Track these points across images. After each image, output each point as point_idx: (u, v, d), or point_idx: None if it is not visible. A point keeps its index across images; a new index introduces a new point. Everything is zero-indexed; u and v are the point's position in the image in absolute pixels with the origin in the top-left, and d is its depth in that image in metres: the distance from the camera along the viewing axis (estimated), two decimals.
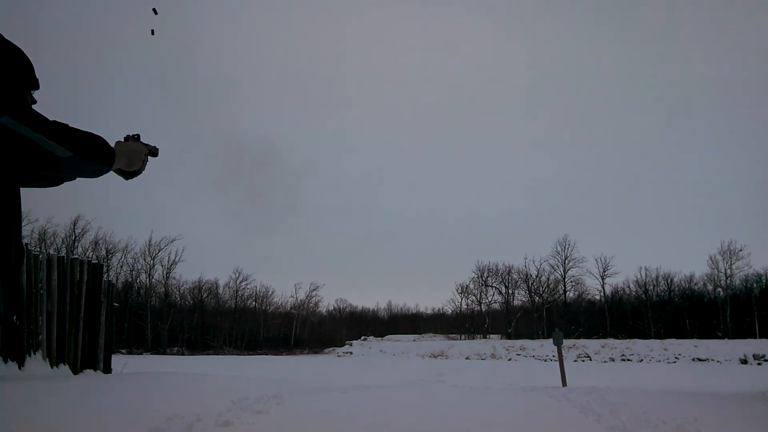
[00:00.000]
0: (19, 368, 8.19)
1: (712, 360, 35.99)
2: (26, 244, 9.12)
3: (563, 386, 11.67)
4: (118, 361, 11.53)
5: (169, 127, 75.99)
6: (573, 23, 79.64)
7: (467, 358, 41.81)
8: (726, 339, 45.00)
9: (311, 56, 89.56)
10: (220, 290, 64.85)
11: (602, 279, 58.52)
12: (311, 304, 71.89)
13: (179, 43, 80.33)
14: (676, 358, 37.38)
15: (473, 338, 58.43)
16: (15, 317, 8.37)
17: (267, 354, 54.31)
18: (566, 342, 41.95)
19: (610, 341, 44.08)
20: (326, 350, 61.11)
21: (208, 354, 50.60)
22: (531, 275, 61.18)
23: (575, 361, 38.15)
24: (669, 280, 57.80)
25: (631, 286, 60.01)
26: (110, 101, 73.13)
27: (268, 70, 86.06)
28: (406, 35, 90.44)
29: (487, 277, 63.39)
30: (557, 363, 13.59)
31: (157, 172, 75.40)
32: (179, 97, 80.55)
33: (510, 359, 41.17)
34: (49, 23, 64.99)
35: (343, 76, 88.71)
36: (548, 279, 60.55)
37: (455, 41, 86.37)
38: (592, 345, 42.61)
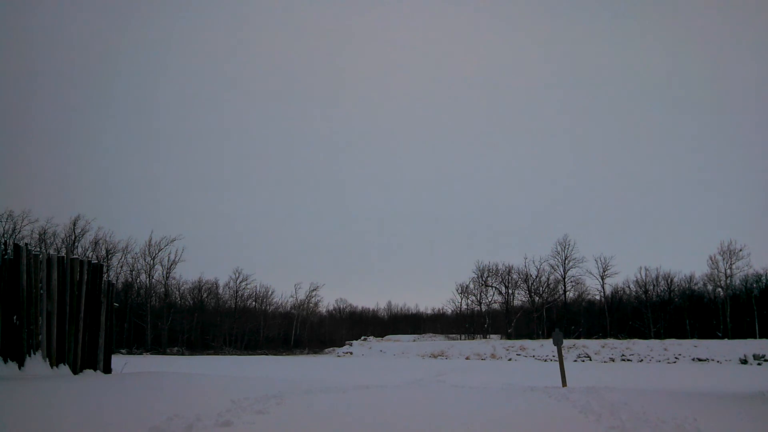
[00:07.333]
0: (19, 368, 8.19)
1: (712, 360, 35.97)
2: (26, 244, 9.10)
3: (563, 386, 11.68)
4: (118, 361, 11.51)
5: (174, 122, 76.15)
6: (571, 23, 79.68)
7: (467, 358, 41.79)
8: (726, 339, 44.95)
9: (310, 55, 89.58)
10: (220, 290, 64.81)
11: (602, 279, 58.42)
12: (311, 304, 71.87)
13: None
14: (676, 358, 37.37)
15: (473, 338, 58.36)
16: (15, 317, 8.36)
17: (267, 354, 54.27)
18: (566, 342, 41.93)
19: (610, 341, 44.02)
20: (326, 350, 61.08)
21: (208, 354, 50.56)
22: (531, 275, 61.10)
23: (575, 361, 38.14)
24: (669, 280, 57.74)
25: (631, 286, 59.97)
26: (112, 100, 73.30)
27: (266, 68, 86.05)
28: (405, 34, 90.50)
29: (487, 277, 63.31)
30: (557, 363, 13.58)
31: (157, 172, 75.42)
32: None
33: (510, 359, 41.15)
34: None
35: (341, 74, 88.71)
36: (548, 279, 60.46)
37: (458, 40, 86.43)
38: (592, 345, 42.58)
